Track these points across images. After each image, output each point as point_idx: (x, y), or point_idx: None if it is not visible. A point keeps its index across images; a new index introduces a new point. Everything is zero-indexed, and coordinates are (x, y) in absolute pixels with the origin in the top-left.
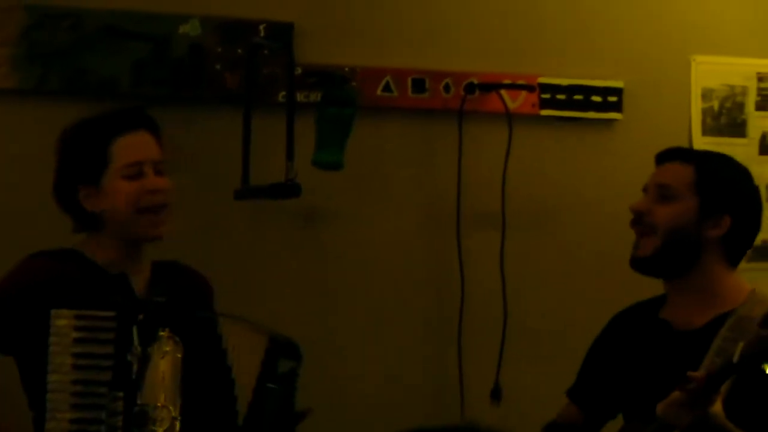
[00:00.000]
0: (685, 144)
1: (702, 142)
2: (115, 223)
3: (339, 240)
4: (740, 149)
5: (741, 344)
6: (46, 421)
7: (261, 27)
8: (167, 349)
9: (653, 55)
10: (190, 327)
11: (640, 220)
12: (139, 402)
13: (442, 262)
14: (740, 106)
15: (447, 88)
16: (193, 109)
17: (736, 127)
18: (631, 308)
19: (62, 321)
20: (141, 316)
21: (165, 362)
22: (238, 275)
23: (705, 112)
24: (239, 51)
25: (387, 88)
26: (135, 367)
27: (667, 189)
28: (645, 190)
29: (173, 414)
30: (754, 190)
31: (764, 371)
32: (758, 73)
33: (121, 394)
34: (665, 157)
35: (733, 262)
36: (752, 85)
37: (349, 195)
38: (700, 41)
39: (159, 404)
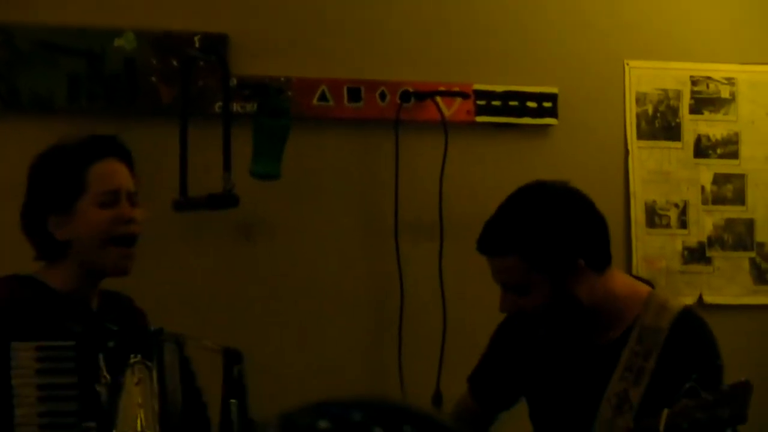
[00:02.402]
0: (620, 148)
1: (637, 146)
2: (82, 253)
3: (277, 250)
4: (675, 153)
5: (666, 412)
6: None
7: (196, 39)
8: (140, 375)
9: (587, 61)
10: (158, 352)
11: (514, 316)
12: (114, 431)
13: (381, 271)
14: (674, 110)
15: (383, 96)
16: (128, 123)
17: (671, 131)
18: None
19: (23, 353)
20: (111, 343)
21: (139, 389)
22: (176, 286)
23: (639, 117)
24: (174, 63)
25: (323, 97)
26: (105, 396)
27: (515, 285)
28: (493, 279)
29: None
30: (581, 214)
31: None
32: (692, 77)
33: (93, 424)
34: (487, 252)
35: (604, 267)
36: (686, 89)
37: (287, 205)
38: (633, 46)
39: (138, 430)
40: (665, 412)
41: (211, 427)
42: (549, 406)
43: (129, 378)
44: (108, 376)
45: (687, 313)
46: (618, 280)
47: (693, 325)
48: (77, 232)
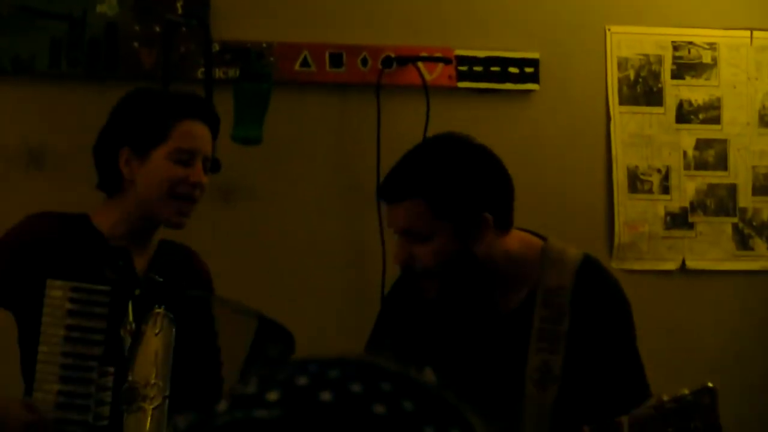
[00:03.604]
0: (602, 114)
1: (618, 112)
2: (141, 197)
3: (259, 215)
4: (657, 118)
5: (626, 420)
6: (33, 391)
7: (178, 4)
8: (161, 326)
9: (569, 26)
10: (185, 306)
11: (408, 268)
12: (129, 378)
13: (363, 236)
14: (656, 75)
15: (364, 61)
16: (110, 88)
17: (653, 96)
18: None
19: (57, 292)
20: (137, 291)
21: (158, 339)
22: None
23: (621, 82)
24: (156, 29)
25: (305, 63)
26: (127, 343)
27: (414, 232)
28: (390, 227)
29: (164, 392)
30: (490, 172)
31: None
32: (673, 42)
33: (111, 369)
34: (392, 196)
35: (507, 228)
36: (667, 54)
37: (269, 169)
38: (614, 11)
39: (150, 382)
40: (625, 420)
41: (222, 387)
42: (463, 380)
43: (150, 327)
44: (133, 324)
45: (586, 263)
46: (513, 238)
47: (595, 276)
48: (144, 177)
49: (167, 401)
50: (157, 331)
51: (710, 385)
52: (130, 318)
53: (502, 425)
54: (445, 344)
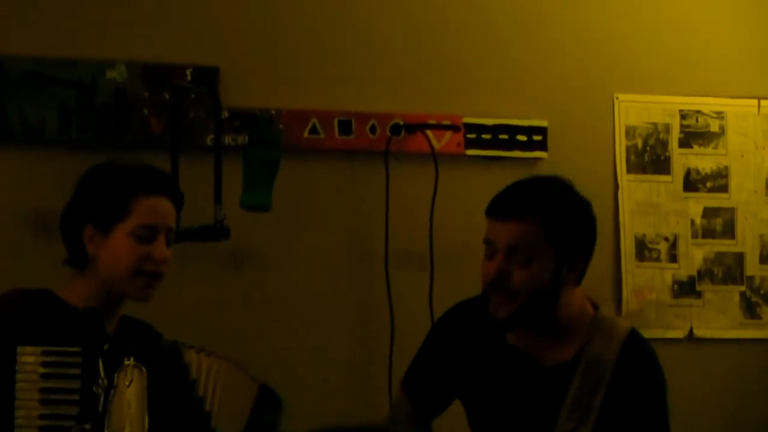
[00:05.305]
0: (610, 182)
1: (626, 180)
2: (106, 274)
3: (268, 281)
4: (664, 186)
5: None
6: None
7: (187, 71)
8: (132, 377)
9: (577, 94)
10: (154, 356)
11: (497, 286)
12: (106, 431)
13: (372, 303)
14: (664, 144)
15: (373, 129)
16: (119, 154)
17: (660, 164)
18: (470, 312)
19: (29, 357)
20: (106, 346)
21: (131, 390)
22: (167, 319)
23: (629, 150)
24: (166, 95)
25: (314, 130)
26: (102, 399)
27: (520, 250)
28: (487, 243)
29: None
30: (594, 221)
31: None
32: (680, 111)
33: (88, 426)
34: (507, 212)
35: (580, 281)
36: (675, 123)
37: (278, 236)
38: (622, 79)
39: (126, 431)
40: None
41: None
42: (492, 423)
43: (122, 380)
44: (105, 379)
45: (632, 339)
46: (576, 296)
47: (639, 355)
48: (107, 255)
49: None
50: (128, 382)
51: None
52: (102, 374)
53: None
54: (481, 383)
